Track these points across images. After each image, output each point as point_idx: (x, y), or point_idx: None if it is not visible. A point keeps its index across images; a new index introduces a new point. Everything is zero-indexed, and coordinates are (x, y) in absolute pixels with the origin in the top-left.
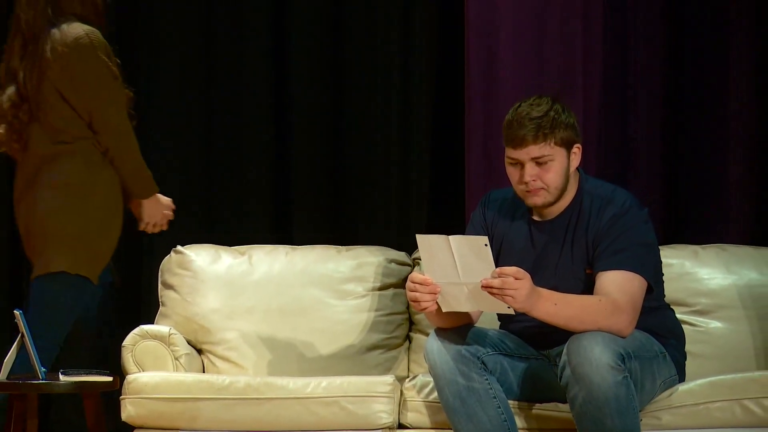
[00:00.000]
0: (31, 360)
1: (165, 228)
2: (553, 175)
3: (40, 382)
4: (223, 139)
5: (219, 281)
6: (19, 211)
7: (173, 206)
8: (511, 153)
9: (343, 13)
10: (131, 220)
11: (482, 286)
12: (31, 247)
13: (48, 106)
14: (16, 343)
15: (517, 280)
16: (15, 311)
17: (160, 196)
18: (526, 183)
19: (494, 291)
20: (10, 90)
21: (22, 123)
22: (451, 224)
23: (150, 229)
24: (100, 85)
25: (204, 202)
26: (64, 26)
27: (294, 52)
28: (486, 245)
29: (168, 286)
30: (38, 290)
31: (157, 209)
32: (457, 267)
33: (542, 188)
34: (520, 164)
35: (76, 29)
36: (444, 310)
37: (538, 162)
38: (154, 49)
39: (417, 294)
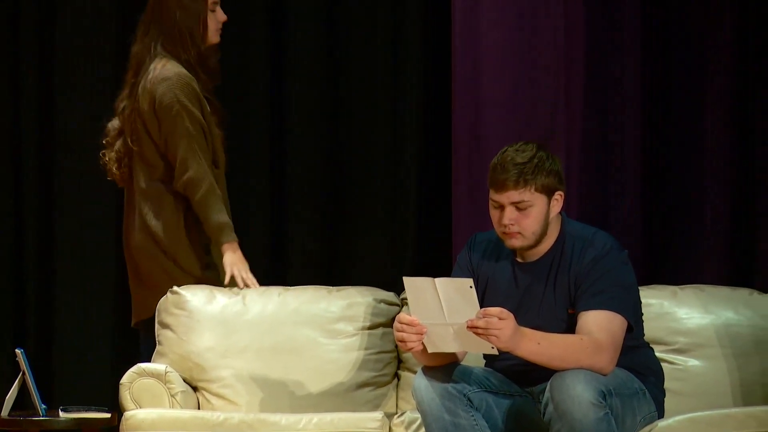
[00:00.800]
0: (31, 397)
1: (256, 285)
2: (530, 221)
3: (41, 418)
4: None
5: (214, 321)
6: (125, 241)
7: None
8: (493, 196)
9: (337, 62)
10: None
11: (467, 327)
12: (130, 278)
13: (139, 140)
14: (17, 380)
15: (501, 320)
16: (16, 350)
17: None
18: (504, 225)
19: (479, 331)
20: (116, 120)
21: (124, 153)
22: (438, 266)
23: (239, 282)
24: (177, 130)
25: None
26: (161, 64)
27: (291, 97)
28: (471, 287)
29: (164, 326)
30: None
31: (235, 258)
32: (443, 308)
33: (518, 232)
34: (501, 207)
35: (169, 70)
36: (429, 351)
37: (518, 207)
38: None
39: (404, 334)
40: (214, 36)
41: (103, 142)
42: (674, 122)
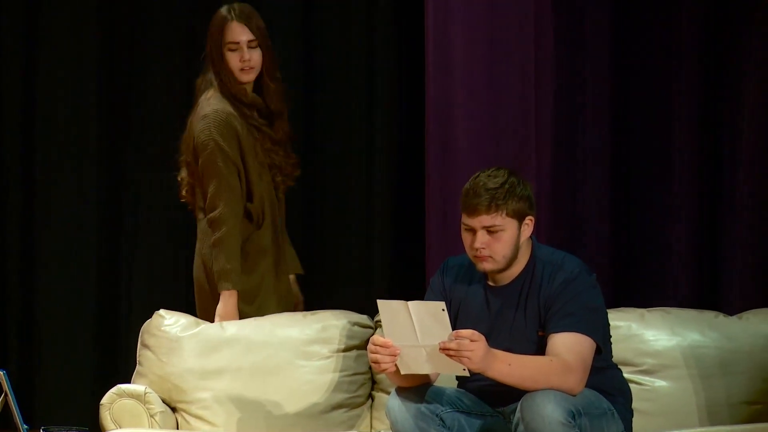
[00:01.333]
0: (14, 418)
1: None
2: (501, 245)
3: None
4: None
5: (193, 343)
6: None
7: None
8: (465, 220)
9: (311, 92)
10: (108, 285)
11: (440, 349)
12: None
13: (194, 172)
14: None
15: (473, 342)
16: None
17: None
18: (476, 249)
19: (451, 353)
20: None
21: (187, 181)
22: (412, 290)
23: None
24: (210, 168)
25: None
26: (206, 97)
27: None
28: (443, 310)
29: (145, 347)
30: None
31: (226, 310)
32: (416, 330)
33: (489, 256)
34: (473, 231)
35: (210, 105)
36: (402, 373)
37: (490, 231)
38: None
39: (378, 356)
40: (240, 75)
41: (178, 160)
42: (642, 151)
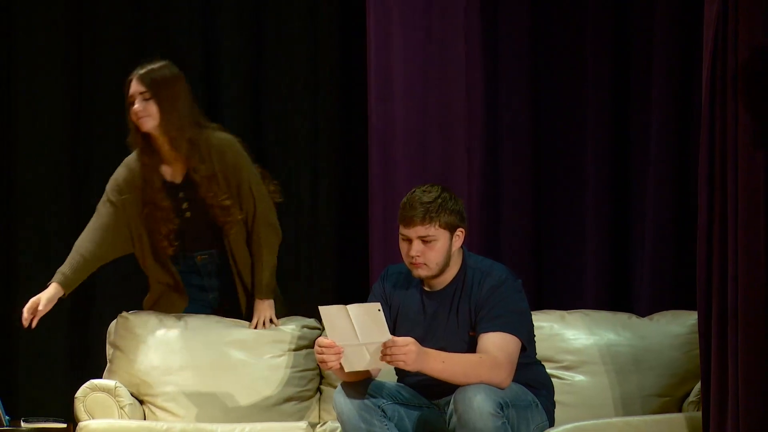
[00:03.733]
0: None
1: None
2: (434, 254)
3: (4, 428)
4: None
5: (158, 342)
6: None
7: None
8: (402, 230)
9: (259, 110)
10: (81, 288)
11: (380, 358)
12: None
13: None
14: None
15: (405, 347)
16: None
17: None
18: (411, 257)
19: (387, 359)
20: None
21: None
22: (356, 295)
23: None
24: None
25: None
26: None
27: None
28: (379, 310)
29: (114, 346)
30: None
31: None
32: (356, 331)
33: (424, 263)
34: (409, 240)
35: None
36: (347, 371)
37: (424, 240)
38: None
39: (324, 356)
40: (139, 123)
41: None
42: (558, 173)
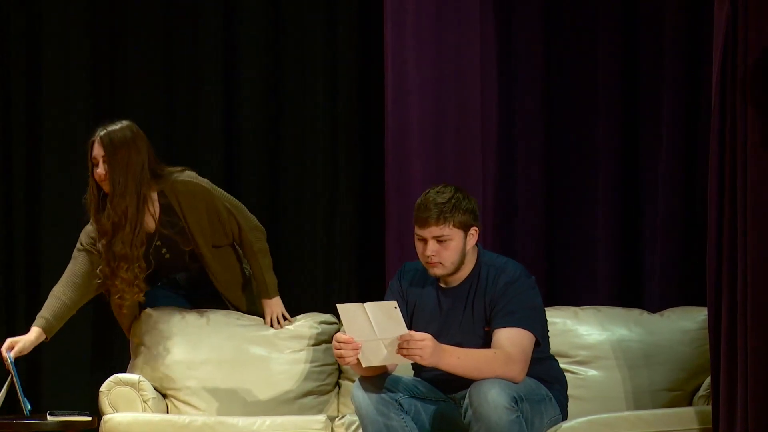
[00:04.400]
0: (20, 402)
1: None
2: (450, 253)
3: (30, 421)
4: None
5: (181, 337)
6: None
7: None
8: (417, 231)
9: (276, 118)
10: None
11: (396, 350)
12: None
13: None
14: (6, 385)
15: (422, 341)
16: (4, 353)
17: None
18: (427, 256)
19: (403, 352)
20: None
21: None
22: (373, 292)
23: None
24: None
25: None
26: None
27: (241, 131)
28: (396, 308)
29: (138, 342)
30: None
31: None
32: (373, 327)
33: (439, 263)
34: (424, 240)
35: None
36: (364, 366)
37: (439, 240)
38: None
39: (342, 351)
40: (102, 185)
41: None
42: (571, 172)
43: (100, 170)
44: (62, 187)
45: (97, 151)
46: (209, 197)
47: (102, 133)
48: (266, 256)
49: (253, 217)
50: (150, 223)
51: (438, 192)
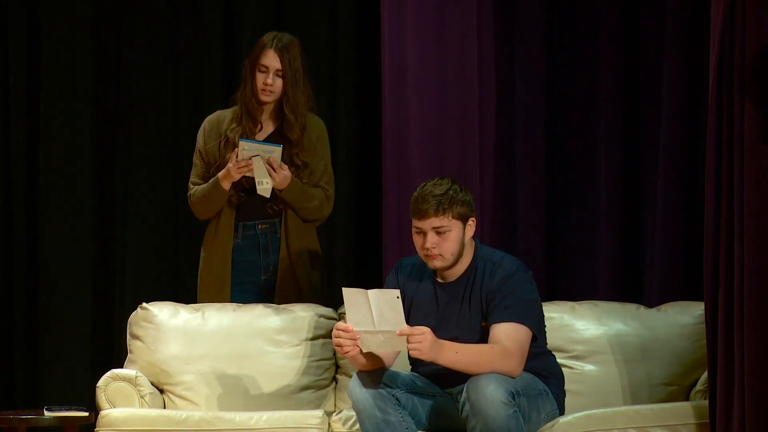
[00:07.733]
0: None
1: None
2: (449, 244)
3: (28, 417)
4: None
5: (177, 332)
6: None
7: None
8: (416, 223)
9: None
10: (103, 283)
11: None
12: None
13: None
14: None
15: (421, 335)
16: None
17: None
18: (427, 249)
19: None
20: None
21: None
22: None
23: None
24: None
25: (169, 268)
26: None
27: None
28: (398, 297)
29: (135, 337)
30: None
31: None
32: (373, 317)
33: (439, 254)
34: (423, 233)
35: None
36: (364, 350)
37: (438, 231)
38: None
39: (341, 340)
40: (260, 94)
41: None
42: (571, 166)
43: (270, 80)
44: (62, 187)
45: (273, 62)
46: (321, 138)
47: (280, 45)
48: (313, 199)
49: (332, 191)
50: (265, 131)
51: (435, 184)
